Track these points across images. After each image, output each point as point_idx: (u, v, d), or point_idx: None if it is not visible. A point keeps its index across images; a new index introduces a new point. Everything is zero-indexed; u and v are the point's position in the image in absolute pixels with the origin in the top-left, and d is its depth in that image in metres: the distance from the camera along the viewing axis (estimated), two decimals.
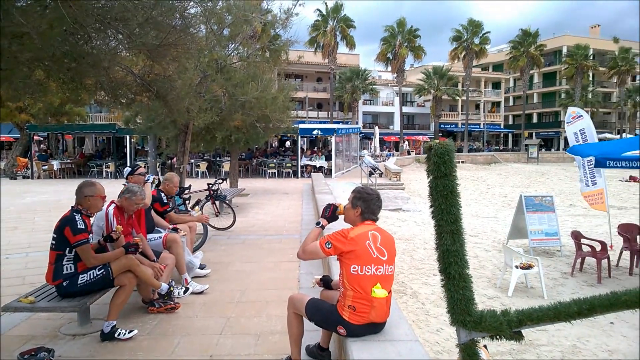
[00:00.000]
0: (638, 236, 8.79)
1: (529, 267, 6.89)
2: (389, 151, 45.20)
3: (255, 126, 11.42)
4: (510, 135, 61.45)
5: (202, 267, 5.90)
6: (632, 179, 25.65)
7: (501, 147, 58.08)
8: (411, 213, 14.26)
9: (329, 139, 26.81)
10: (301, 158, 24.07)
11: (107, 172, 21.93)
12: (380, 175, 21.73)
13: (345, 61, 47.29)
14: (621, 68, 52.63)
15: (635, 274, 8.17)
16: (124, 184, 4.90)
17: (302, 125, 24.74)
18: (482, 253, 9.32)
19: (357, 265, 2.61)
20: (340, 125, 32.22)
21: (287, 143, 35.05)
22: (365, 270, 2.61)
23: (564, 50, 55.88)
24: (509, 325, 1.83)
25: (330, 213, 3.08)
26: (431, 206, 2.15)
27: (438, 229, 2.09)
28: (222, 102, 7.06)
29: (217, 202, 9.37)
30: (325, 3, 42.03)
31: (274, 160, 23.92)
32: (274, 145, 34.14)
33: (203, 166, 22.59)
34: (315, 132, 25.33)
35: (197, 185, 12.20)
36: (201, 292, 5.14)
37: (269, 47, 13.60)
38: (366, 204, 2.80)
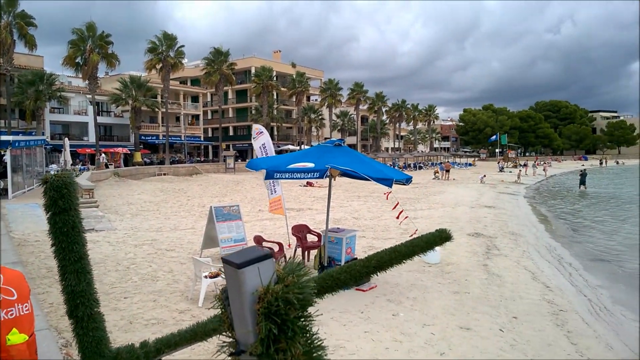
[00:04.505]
0: (308, 234, 10.42)
1: (217, 275, 7.27)
2: (83, 165, 41.31)
3: None
4: (210, 147, 64.43)
5: None
6: (309, 184, 30.30)
7: (202, 159, 60.23)
8: (105, 233, 13.32)
9: (2, 152, 22.65)
10: None
11: None
12: None
13: (26, 62, 40.98)
14: (298, 89, 61.66)
15: (306, 267, 9.58)
16: None
17: None
18: (177, 267, 9.40)
19: None
20: (20, 137, 27.66)
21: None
22: None
23: (253, 70, 61.99)
24: (147, 357, 1.82)
25: None
26: (52, 245, 1.98)
27: (61, 270, 1.93)
28: None
29: None
30: None
31: None
32: None
33: None
34: None
35: None
36: None
37: None
38: None
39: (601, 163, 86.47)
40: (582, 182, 35.03)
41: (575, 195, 31.65)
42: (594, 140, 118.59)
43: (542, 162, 66.44)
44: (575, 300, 8.19)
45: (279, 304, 0.57)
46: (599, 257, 12.73)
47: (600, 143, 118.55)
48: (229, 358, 0.67)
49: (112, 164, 42.13)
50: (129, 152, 46.95)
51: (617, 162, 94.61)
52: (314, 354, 0.59)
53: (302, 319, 0.60)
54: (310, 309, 0.64)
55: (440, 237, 1.22)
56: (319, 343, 0.62)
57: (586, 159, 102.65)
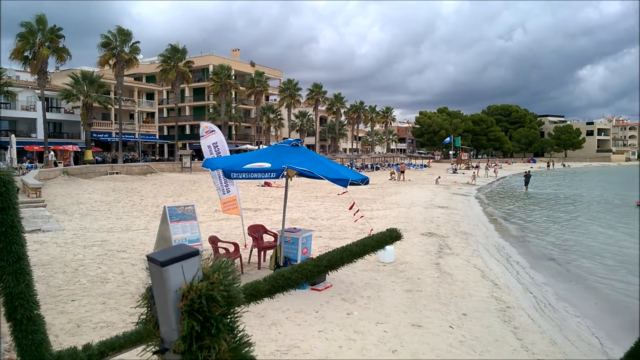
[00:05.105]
0: (264, 234, 10.38)
1: None
2: (30, 162, 39.54)
3: None
4: (166, 145, 62.98)
5: None
6: (267, 184, 30.16)
7: (157, 157, 58.82)
8: (53, 233, 12.81)
9: None
10: None
11: None
12: (17, 190, 18.71)
13: None
14: (257, 89, 61.23)
15: (263, 267, 9.53)
16: None
17: None
18: (129, 268, 9.15)
19: None
20: None
21: None
22: None
23: (211, 68, 61.14)
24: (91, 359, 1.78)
25: None
26: None
27: None
28: None
29: None
30: None
31: None
32: None
33: None
34: None
35: None
36: None
37: None
38: None
39: (548, 165, 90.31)
40: (526, 183, 37.26)
41: (520, 196, 33.15)
42: (542, 143, 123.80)
43: (493, 164, 68.73)
44: (522, 297, 8.52)
45: (202, 302, 0.58)
46: (544, 255, 13.32)
47: (548, 146, 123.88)
48: (155, 357, 0.67)
49: (61, 162, 40.53)
50: (80, 150, 45.27)
51: (564, 165, 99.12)
52: (241, 351, 0.60)
53: (229, 317, 0.61)
54: (247, 306, 0.65)
55: (391, 236, 1.26)
56: (246, 340, 0.63)
57: (534, 162, 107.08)
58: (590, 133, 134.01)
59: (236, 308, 0.62)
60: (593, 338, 7.12)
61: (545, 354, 6.00)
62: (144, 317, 0.71)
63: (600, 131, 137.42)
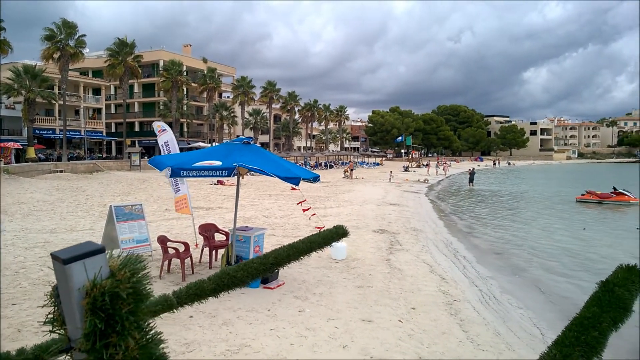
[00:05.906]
0: (216, 233, 10.24)
1: None
2: None
3: None
4: (113, 142, 60.84)
5: None
6: (220, 182, 29.74)
7: (104, 155, 56.74)
8: None
9: None
10: None
11: None
12: None
13: None
14: (209, 85, 60.17)
15: (214, 266, 9.41)
16: None
17: None
18: None
19: None
20: None
21: None
22: None
23: (161, 64, 59.52)
24: None
25: None
26: None
27: None
28: None
29: None
30: None
31: None
32: None
33: None
34: None
35: None
36: None
37: None
38: None
39: (494, 164, 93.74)
40: (471, 180, 39.22)
41: (465, 193, 34.44)
42: (488, 142, 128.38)
43: (443, 163, 70.69)
44: (468, 291, 8.81)
45: (105, 299, 0.58)
46: (490, 250, 13.84)
47: (494, 145, 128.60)
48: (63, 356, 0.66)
49: (1, 160, 38.38)
50: (21, 147, 43.01)
51: (509, 163, 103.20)
52: (151, 349, 0.60)
53: (138, 313, 0.61)
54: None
55: (337, 233, 1.28)
56: (157, 337, 0.63)
57: (482, 160, 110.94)
58: (533, 133, 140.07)
59: (146, 305, 0.62)
60: (534, 328, 7.45)
61: (489, 344, 6.24)
62: (51, 316, 0.69)
63: (543, 131, 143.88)
